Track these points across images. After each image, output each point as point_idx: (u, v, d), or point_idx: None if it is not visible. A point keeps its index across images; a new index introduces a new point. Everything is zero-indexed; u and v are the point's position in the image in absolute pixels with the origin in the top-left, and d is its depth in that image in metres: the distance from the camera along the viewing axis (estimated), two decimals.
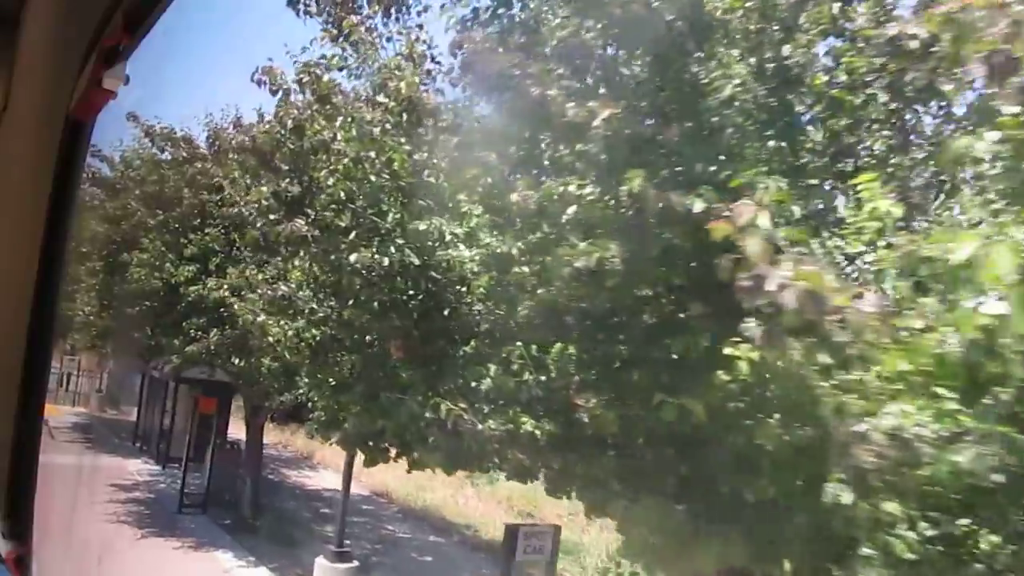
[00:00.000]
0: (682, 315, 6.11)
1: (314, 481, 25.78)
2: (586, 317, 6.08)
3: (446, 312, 8.21)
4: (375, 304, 8.03)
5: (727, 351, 5.60)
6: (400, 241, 7.89)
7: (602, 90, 5.78)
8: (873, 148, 6.71)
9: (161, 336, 18.13)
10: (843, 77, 6.70)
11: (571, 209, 6.18)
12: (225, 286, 14.12)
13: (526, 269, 7.93)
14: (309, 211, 8.04)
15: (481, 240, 8.19)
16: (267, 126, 7.75)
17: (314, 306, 9.80)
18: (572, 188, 6.27)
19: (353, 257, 7.60)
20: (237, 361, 16.71)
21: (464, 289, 8.13)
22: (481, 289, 8.02)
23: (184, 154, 18.55)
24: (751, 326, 5.28)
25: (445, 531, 21.73)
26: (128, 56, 1.92)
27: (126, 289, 18.18)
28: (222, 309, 16.80)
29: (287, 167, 7.85)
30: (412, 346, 8.41)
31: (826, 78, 6.67)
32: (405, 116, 7.94)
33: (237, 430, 24.19)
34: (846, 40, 6.86)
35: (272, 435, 27.84)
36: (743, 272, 3.90)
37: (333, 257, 8.01)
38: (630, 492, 6.75)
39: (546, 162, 6.72)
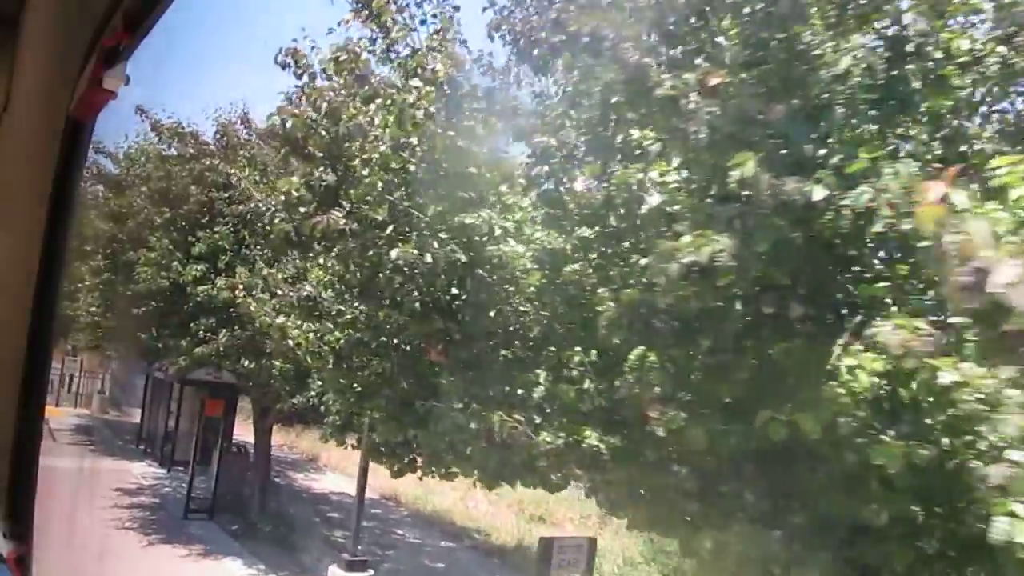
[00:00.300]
0: (782, 318, 5.27)
1: (321, 484, 24.86)
2: (674, 320, 5.25)
3: (492, 313, 7.34)
4: (416, 304, 7.16)
5: (848, 361, 4.79)
6: (443, 236, 7.03)
7: (698, 60, 4.94)
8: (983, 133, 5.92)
9: (168, 337, 17.18)
10: (939, 55, 5.85)
11: (653, 199, 5.33)
12: (240, 286, 13.20)
13: (576, 266, 7.12)
14: (343, 203, 7.18)
15: (528, 235, 7.35)
16: (298, 110, 6.89)
17: (341, 307, 8.91)
18: (653, 174, 5.44)
19: (394, 253, 6.73)
20: (247, 363, 15.79)
21: (512, 288, 7.27)
22: (532, 288, 7.17)
23: (191, 150, 17.62)
24: (885, 330, 4.47)
25: (456, 536, 20.88)
26: (128, 56, 1.84)
27: (131, 289, 17.22)
28: (231, 309, 15.93)
29: (321, 154, 6.98)
30: (453, 350, 7.56)
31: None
32: (444, 101, 7.08)
33: (241, 432, 23.32)
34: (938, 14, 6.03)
35: (277, 436, 26.90)
36: (959, 266, 3.07)
37: (372, 253, 7.14)
38: (712, 514, 5.91)
39: (618, 145, 5.87)
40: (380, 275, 8.46)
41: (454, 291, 7.19)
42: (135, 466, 23.15)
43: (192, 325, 16.67)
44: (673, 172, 5.41)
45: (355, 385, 10.05)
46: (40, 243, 2.11)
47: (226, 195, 17.12)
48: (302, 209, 7.34)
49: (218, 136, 18.32)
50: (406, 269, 6.73)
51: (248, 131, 18.72)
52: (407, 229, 7.39)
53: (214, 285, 16.27)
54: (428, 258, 6.79)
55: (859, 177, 4.75)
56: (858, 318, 5.23)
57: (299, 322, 10.86)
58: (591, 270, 6.94)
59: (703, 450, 5.65)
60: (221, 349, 16.16)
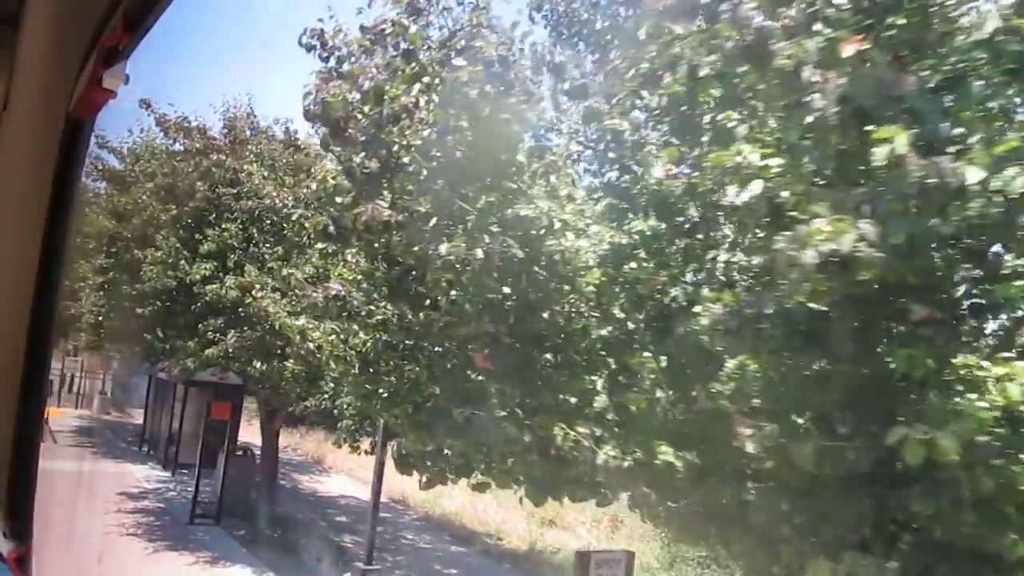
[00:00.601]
0: (902, 320, 4.55)
1: (327, 487, 24.02)
2: (784, 323, 4.50)
3: (546, 315, 6.59)
4: (466, 306, 6.39)
5: (997, 370, 4.07)
6: (494, 229, 6.26)
7: (817, 26, 4.20)
8: None
9: (175, 338, 16.33)
10: None
11: (755, 185, 4.58)
12: (257, 286, 12.35)
13: (634, 264, 6.38)
14: (385, 192, 6.41)
15: (581, 228, 6.59)
16: (337, 88, 6.10)
17: (371, 307, 8.14)
18: (754, 157, 4.70)
19: (443, 248, 5.95)
20: (259, 364, 14.98)
21: (567, 287, 6.52)
22: (590, 287, 6.41)
23: (198, 144, 16.80)
24: None
25: (467, 540, 20.11)
26: (128, 56, 1.80)
27: (137, 288, 16.37)
28: (240, 309, 15.16)
29: (363, 138, 6.21)
30: (501, 354, 6.79)
31: None
32: (494, 82, 6.33)
33: (244, 434, 22.51)
34: None
35: (281, 438, 26.07)
36: None
37: (418, 248, 6.37)
38: (809, 539, 5.18)
39: (705, 126, 5.14)
40: (415, 272, 7.73)
41: (505, 290, 6.42)
42: (138, 469, 22.28)
43: (200, 326, 15.82)
44: (776, 155, 4.68)
45: (381, 390, 9.30)
46: (40, 243, 2.05)
47: (234, 191, 16.33)
48: (338, 199, 6.55)
49: (225, 131, 17.53)
50: (457, 266, 5.96)
51: (253, 129, 17.98)
52: (450, 222, 6.62)
53: (223, 284, 15.46)
54: (479, 253, 6.02)
55: (1010, 159, 4.03)
56: (992, 321, 4.54)
57: (321, 324, 10.11)
58: (654, 266, 6.21)
59: (801, 469, 4.93)
60: (230, 350, 15.34)
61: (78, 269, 18.29)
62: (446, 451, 8.82)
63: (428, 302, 7.06)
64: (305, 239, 12.16)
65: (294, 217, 11.52)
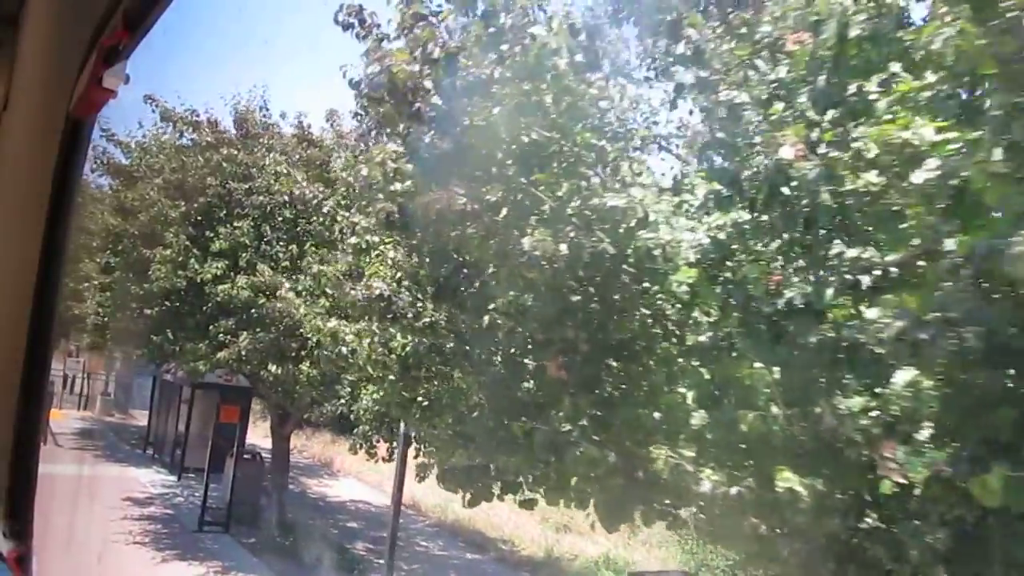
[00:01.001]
0: None
1: (336, 491, 23.01)
2: (987, 333, 3.62)
3: (628, 318, 5.68)
4: (550, 310, 5.47)
5: None
6: (576, 221, 5.35)
7: None
8: None
9: (185, 340, 15.30)
10: None
11: (931, 165, 3.71)
12: (285, 286, 11.33)
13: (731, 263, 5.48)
14: (454, 178, 5.48)
15: (678, 219, 5.68)
16: (402, 54, 5.16)
17: (419, 309, 7.22)
18: (927, 131, 3.82)
19: (527, 241, 5.04)
20: (274, 367, 13.99)
21: (655, 288, 5.61)
22: (683, 287, 5.49)
23: (209, 138, 15.79)
24: None
25: (481, 547, 19.19)
26: (128, 55, 1.77)
27: (144, 288, 15.35)
28: (252, 310, 14.20)
29: (433, 113, 5.28)
30: (576, 364, 5.88)
31: None
32: (580, 52, 5.43)
33: (249, 435, 21.54)
34: None
35: None
36: None
37: (494, 241, 5.46)
38: None
39: (851, 98, 4.25)
40: (468, 270, 6.83)
41: (590, 290, 5.52)
42: (143, 473, 21.24)
43: (211, 327, 14.81)
44: (953, 128, 3.80)
45: (420, 398, 8.38)
46: (40, 243, 2.02)
47: (246, 186, 15.34)
48: (395, 186, 5.61)
49: (237, 124, 16.54)
50: (544, 263, 5.05)
51: (264, 125, 17.01)
52: (520, 212, 5.69)
53: (234, 284, 14.47)
54: (563, 249, 5.11)
55: None
56: None
57: (351, 325, 9.18)
58: (764, 263, 5.30)
59: (973, 500, 4.05)
60: (243, 353, 14.35)
61: (82, 268, 17.31)
62: (493, 466, 7.93)
63: (491, 304, 6.13)
64: (337, 233, 11.23)
65: (325, 209, 10.62)
